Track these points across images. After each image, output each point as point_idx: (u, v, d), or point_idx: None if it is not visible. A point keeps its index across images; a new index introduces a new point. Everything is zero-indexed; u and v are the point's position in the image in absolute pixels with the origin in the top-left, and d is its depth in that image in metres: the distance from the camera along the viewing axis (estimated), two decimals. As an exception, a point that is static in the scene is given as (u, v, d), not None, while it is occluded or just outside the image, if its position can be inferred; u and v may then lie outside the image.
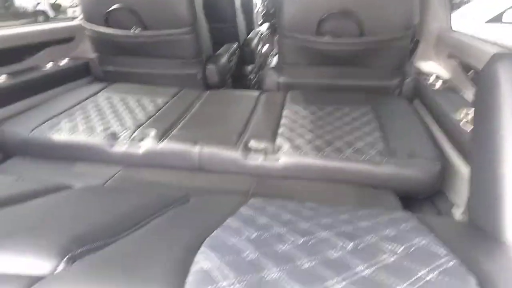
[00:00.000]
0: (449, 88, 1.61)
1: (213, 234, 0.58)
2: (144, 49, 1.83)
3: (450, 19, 1.89)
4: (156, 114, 1.54)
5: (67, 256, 0.51)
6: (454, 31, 1.88)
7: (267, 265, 0.47)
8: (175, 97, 1.74)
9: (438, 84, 1.69)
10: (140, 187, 1.21)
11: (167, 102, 1.67)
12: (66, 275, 0.48)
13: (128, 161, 1.32)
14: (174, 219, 0.71)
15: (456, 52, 1.64)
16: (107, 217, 0.67)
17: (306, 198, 1.12)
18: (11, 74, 1.63)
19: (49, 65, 1.84)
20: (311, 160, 1.21)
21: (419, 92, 1.71)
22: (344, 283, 0.44)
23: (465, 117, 1.22)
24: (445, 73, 1.79)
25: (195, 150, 1.29)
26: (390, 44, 1.57)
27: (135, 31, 1.76)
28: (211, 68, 1.92)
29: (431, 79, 1.78)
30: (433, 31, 1.77)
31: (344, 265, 0.48)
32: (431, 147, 1.24)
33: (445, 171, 1.18)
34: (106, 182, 1.22)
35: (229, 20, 2.44)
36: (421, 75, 1.78)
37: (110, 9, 1.72)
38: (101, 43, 1.86)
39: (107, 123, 1.43)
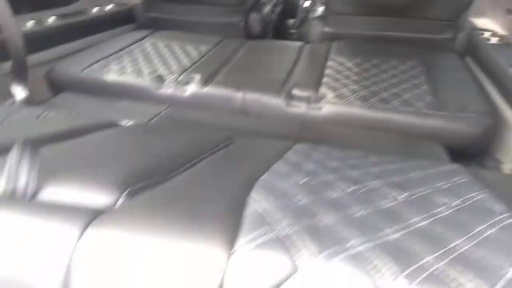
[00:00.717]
0: (506, 44, 1.52)
1: (262, 177, 0.59)
2: None
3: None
4: (200, 60, 1.55)
5: (127, 191, 0.52)
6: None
7: (320, 211, 0.47)
8: (218, 46, 1.73)
9: (494, 40, 1.60)
10: (185, 126, 1.24)
11: (210, 50, 1.67)
12: (127, 209, 0.49)
13: (173, 103, 1.35)
14: (223, 160, 0.73)
15: None
16: (159, 155, 0.69)
17: (349, 146, 1.12)
18: (59, 17, 1.67)
19: (95, 9, 1.87)
20: (356, 110, 1.19)
21: (472, 48, 1.62)
22: (400, 233, 0.42)
23: None
24: (501, 30, 1.68)
25: (239, 95, 1.29)
26: None
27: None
28: (254, 16, 1.89)
29: (486, 34, 1.68)
30: None
31: (398, 216, 0.47)
32: (483, 102, 1.19)
33: (497, 128, 1.14)
34: (151, 120, 1.26)
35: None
36: (475, 31, 1.68)
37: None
38: None
39: (154, 67, 1.46)
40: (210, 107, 1.33)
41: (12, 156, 0.49)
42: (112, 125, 0.88)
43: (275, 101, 1.27)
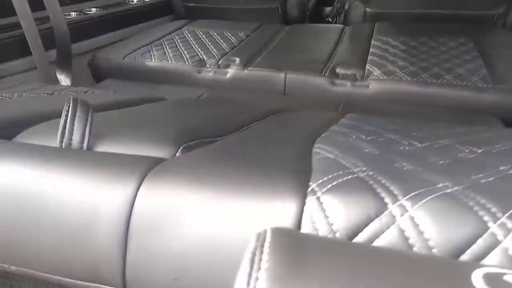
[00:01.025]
0: None
1: (323, 135, 0.56)
2: None
3: None
4: (240, 45, 1.54)
5: (182, 146, 0.51)
6: None
7: (397, 159, 0.43)
8: (256, 31, 1.71)
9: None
10: (230, 103, 1.22)
11: (249, 35, 1.65)
12: (188, 158, 0.48)
13: (215, 86, 1.34)
14: (276, 124, 0.70)
15: None
16: (210, 120, 0.68)
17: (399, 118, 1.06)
18: (102, 7, 1.70)
19: (135, 0, 1.89)
20: (406, 86, 1.13)
21: None
22: (492, 178, 0.38)
23: None
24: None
25: (280, 75, 1.26)
26: None
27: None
28: (292, 2, 1.86)
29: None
30: None
31: (482, 165, 0.42)
32: None
33: None
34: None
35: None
36: None
37: None
38: None
39: (194, 52, 1.45)
40: (252, 89, 1.30)
41: (67, 112, 0.48)
42: (157, 99, 0.87)
43: (319, 80, 1.22)
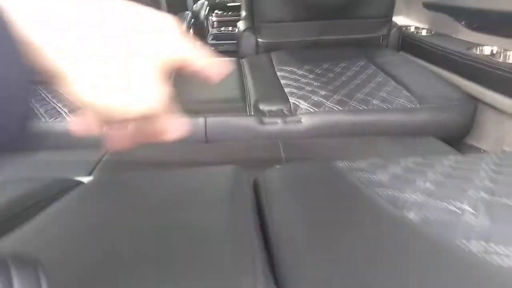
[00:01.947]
0: (437, 35, 1.56)
1: None
2: None
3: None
4: None
5: None
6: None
7: None
8: None
9: (424, 33, 1.64)
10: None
11: None
12: None
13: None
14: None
15: None
16: None
17: (342, 157, 0.97)
18: None
19: None
20: (340, 116, 1.05)
21: (405, 42, 1.64)
22: None
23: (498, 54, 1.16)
24: (421, 24, 1.75)
25: (199, 121, 1.06)
26: None
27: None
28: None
29: (412, 29, 1.72)
30: None
31: None
32: (455, 88, 1.16)
33: (476, 112, 1.11)
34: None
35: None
36: (403, 27, 1.72)
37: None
38: None
39: (50, 106, 1.14)
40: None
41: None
42: None
43: (245, 121, 1.06)
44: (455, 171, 0.55)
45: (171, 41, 0.27)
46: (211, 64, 0.30)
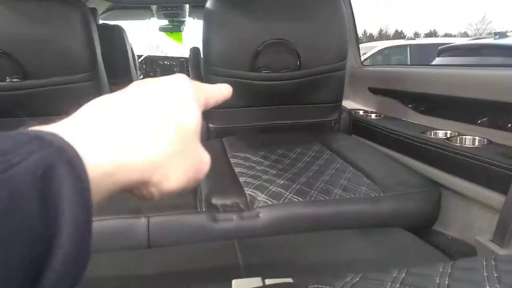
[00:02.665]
0: (387, 118, 1.58)
1: None
2: (27, 106, 1.38)
3: (360, 56, 1.94)
4: None
5: None
6: (366, 65, 1.93)
7: None
8: None
9: (373, 116, 1.65)
10: None
11: None
12: None
13: None
14: None
15: (380, 83, 1.65)
16: None
17: (309, 254, 0.85)
18: None
19: None
20: (302, 209, 0.96)
21: (356, 125, 1.64)
22: None
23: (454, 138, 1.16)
24: (370, 107, 1.79)
25: (141, 221, 0.91)
26: (328, 75, 1.47)
27: (12, 80, 1.31)
28: None
29: (361, 112, 1.75)
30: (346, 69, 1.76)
31: None
32: (415, 174, 1.12)
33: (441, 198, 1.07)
34: None
35: (124, 73, 2.11)
36: (352, 111, 1.74)
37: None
38: None
39: None
40: (100, 247, 0.88)
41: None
42: None
43: (195, 219, 0.93)
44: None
45: None
46: None
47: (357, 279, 0.52)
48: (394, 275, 0.53)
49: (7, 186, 0.16)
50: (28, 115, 1.41)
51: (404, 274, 0.53)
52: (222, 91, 0.34)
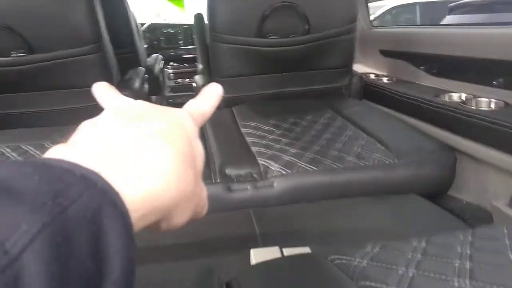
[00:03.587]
0: (399, 82, 1.55)
1: None
2: (33, 80, 1.37)
3: (369, 17, 1.88)
4: None
5: None
6: (376, 27, 1.87)
7: None
8: None
9: (385, 80, 1.62)
10: None
11: None
12: None
13: None
14: None
15: (391, 45, 1.61)
16: None
17: (325, 222, 0.86)
18: None
19: None
20: (316, 177, 0.95)
21: (368, 90, 1.61)
22: None
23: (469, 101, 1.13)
24: (379, 71, 1.74)
25: None
26: (337, 39, 1.43)
27: (17, 55, 1.30)
28: (125, 94, 1.54)
29: (372, 76, 1.71)
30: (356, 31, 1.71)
31: None
32: (431, 139, 1.10)
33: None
34: None
35: (129, 43, 2.07)
36: (363, 75, 1.70)
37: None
38: None
39: None
40: None
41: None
42: None
43: (211, 190, 0.93)
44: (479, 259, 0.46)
45: None
46: None
47: (377, 248, 0.53)
48: (414, 244, 0.53)
49: (62, 231, 0.16)
50: (34, 90, 1.40)
51: (424, 244, 0.53)
52: (213, 91, 0.33)
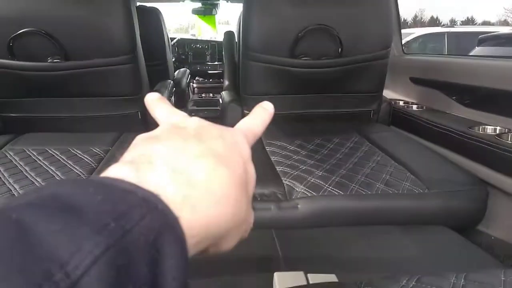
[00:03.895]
0: (429, 110, 1.52)
1: None
2: (66, 86, 1.40)
3: (402, 43, 1.87)
4: (99, 166, 1.12)
5: None
6: (407, 54, 1.86)
7: None
8: (117, 143, 1.33)
9: (414, 108, 1.59)
10: None
11: (108, 151, 1.25)
12: None
13: None
14: None
15: (422, 73, 1.58)
16: None
17: (351, 249, 0.83)
18: None
19: None
20: (342, 202, 0.93)
21: (396, 117, 1.59)
22: None
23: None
24: (409, 98, 1.72)
25: None
26: (370, 64, 1.42)
27: (53, 61, 1.33)
28: None
29: (401, 103, 1.69)
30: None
31: None
32: (463, 171, 1.07)
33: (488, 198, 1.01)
34: None
35: (160, 56, 2.11)
36: (392, 101, 1.68)
37: (17, 33, 1.27)
38: (2, 81, 1.37)
39: (28, 182, 0.98)
40: None
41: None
42: None
43: None
44: None
45: None
46: None
47: (413, 282, 0.50)
48: (452, 280, 0.51)
49: (124, 254, 0.15)
50: (66, 95, 1.43)
51: (463, 281, 0.50)
52: (265, 109, 0.32)
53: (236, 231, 0.24)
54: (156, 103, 0.30)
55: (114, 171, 0.20)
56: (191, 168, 0.21)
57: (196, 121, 0.27)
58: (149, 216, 0.17)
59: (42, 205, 0.16)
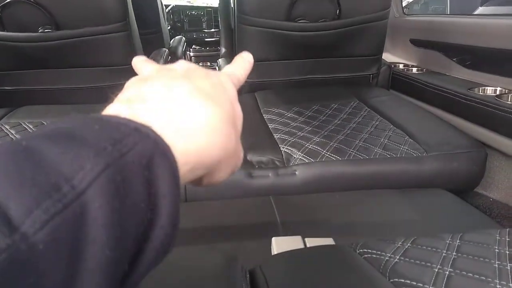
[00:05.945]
0: (429, 73, 1.49)
1: None
2: (58, 56, 1.37)
3: (402, 3, 1.81)
4: None
5: None
6: (408, 15, 1.81)
7: None
8: None
9: (414, 70, 1.57)
10: None
11: None
12: None
13: None
14: None
15: (423, 34, 1.54)
16: None
17: (348, 214, 0.84)
18: None
19: None
20: (339, 167, 0.93)
21: (396, 80, 1.56)
22: None
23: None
24: (409, 61, 1.69)
25: None
26: (369, 25, 1.38)
27: (44, 31, 1.30)
28: None
29: (401, 66, 1.66)
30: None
31: None
32: (462, 134, 1.06)
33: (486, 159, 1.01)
34: None
35: (154, 24, 2.05)
36: (392, 64, 1.65)
37: (5, 2, 1.23)
38: None
39: None
40: None
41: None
42: None
43: (231, 176, 0.92)
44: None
45: None
46: None
47: (409, 244, 0.50)
48: (447, 241, 0.51)
49: (121, 173, 0.18)
50: (59, 66, 1.41)
51: (458, 241, 0.51)
52: (245, 58, 0.34)
53: (227, 163, 0.26)
54: (142, 63, 0.32)
55: (109, 110, 0.23)
56: (181, 104, 0.23)
57: (184, 63, 0.29)
58: (141, 143, 0.19)
59: (46, 135, 0.18)
